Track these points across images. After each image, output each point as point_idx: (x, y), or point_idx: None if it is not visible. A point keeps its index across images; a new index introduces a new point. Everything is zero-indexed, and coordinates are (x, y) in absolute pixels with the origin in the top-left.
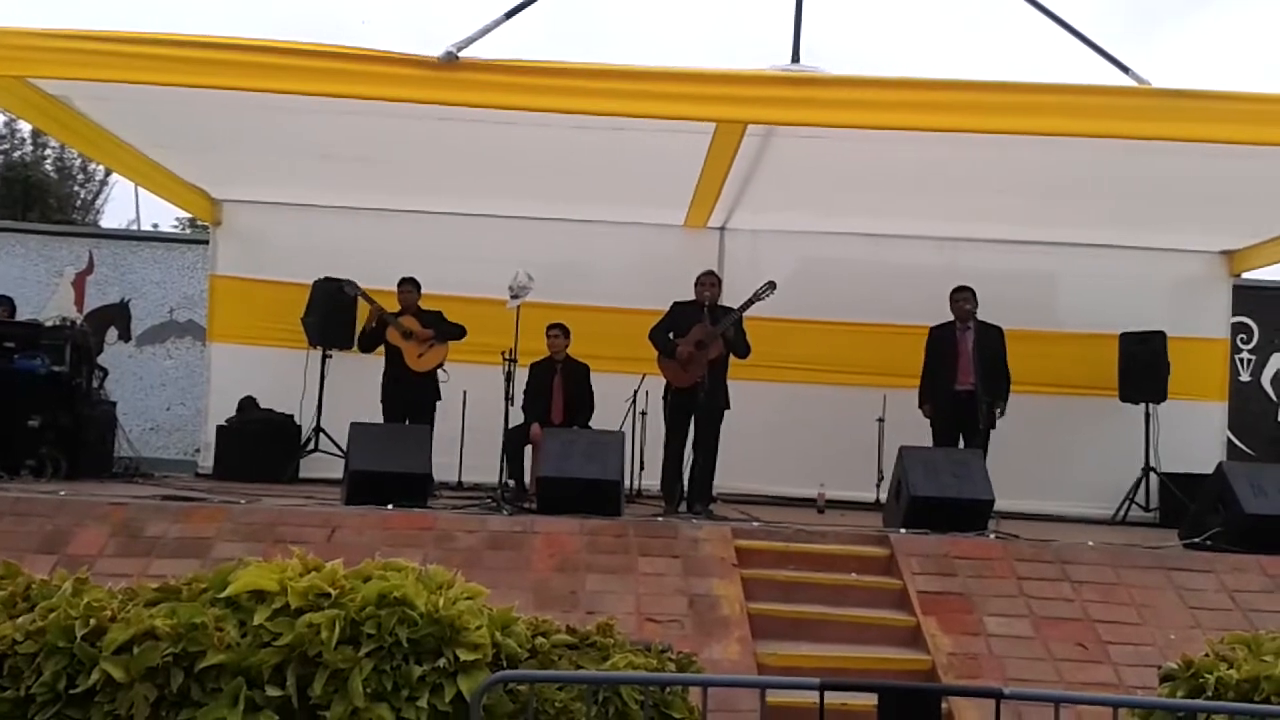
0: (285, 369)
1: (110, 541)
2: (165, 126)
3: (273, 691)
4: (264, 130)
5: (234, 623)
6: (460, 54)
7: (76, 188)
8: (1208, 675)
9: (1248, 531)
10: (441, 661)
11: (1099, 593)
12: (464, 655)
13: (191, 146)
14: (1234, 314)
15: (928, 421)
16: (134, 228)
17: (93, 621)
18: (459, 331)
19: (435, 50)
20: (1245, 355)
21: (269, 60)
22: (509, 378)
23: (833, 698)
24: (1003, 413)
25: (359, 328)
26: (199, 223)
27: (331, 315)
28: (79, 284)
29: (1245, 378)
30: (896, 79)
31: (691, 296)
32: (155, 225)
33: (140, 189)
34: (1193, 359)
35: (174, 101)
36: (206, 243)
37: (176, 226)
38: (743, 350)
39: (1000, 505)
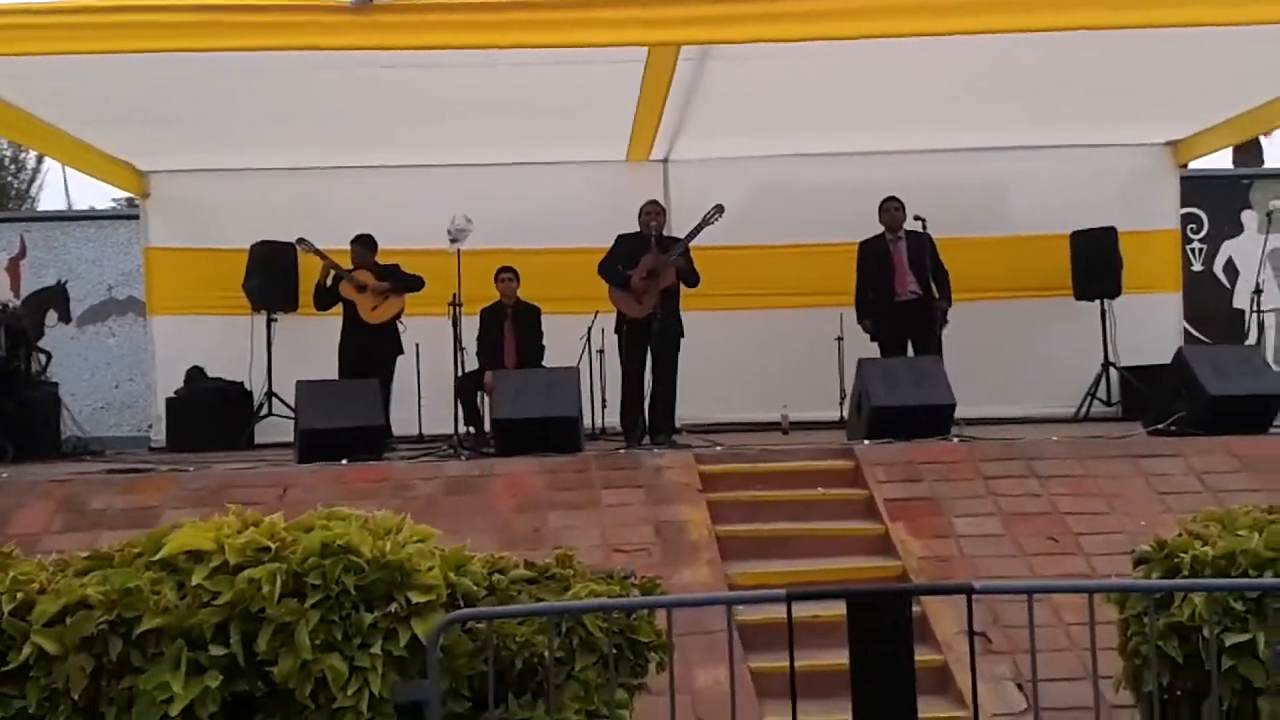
0: (231, 336)
1: (54, 518)
2: (83, 100)
3: (216, 651)
4: (184, 96)
5: (171, 585)
6: None
7: (9, 178)
8: (1183, 555)
9: (1212, 413)
10: (393, 606)
11: (1066, 486)
12: (416, 598)
13: (112, 119)
14: (1183, 205)
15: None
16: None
17: (20, 595)
18: (416, 282)
19: None
20: (1196, 245)
21: (173, 19)
22: (456, 323)
23: (803, 610)
24: (945, 314)
25: (302, 287)
26: (135, 199)
27: (273, 278)
28: (13, 269)
29: (1198, 267)
30: None
31: (636, 229)
32: (91, 207)
33: (69, 171)
34: (1145, 252)
35: (89, 74)
36: (138, 217)
37: (114, 206)
38: (692, 279)
39: (962, 412)
